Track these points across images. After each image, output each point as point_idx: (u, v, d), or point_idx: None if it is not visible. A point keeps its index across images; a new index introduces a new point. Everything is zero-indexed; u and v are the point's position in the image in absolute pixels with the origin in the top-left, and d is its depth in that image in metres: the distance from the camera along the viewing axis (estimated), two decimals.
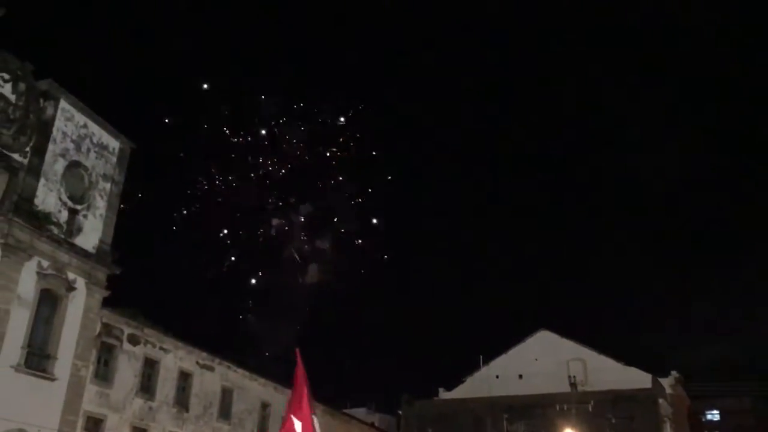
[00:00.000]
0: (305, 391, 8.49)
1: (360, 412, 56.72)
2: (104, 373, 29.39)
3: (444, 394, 51.37)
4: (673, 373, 49.12)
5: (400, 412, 48.93)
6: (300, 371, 8.60)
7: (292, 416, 8.42)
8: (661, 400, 42.12)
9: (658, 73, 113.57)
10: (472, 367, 51.28)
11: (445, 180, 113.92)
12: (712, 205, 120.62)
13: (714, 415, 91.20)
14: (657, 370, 45.90)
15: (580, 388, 44.66)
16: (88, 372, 28.05)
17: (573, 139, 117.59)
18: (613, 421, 40.88)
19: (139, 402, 30.85)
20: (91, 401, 28.14)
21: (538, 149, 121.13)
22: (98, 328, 28.95)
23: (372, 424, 54.81)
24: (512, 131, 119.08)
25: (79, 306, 27.80)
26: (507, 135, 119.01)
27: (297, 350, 8.58)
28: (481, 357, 51.02)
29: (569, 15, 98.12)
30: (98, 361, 29.04)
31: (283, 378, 41.47)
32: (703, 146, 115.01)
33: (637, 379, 44.06)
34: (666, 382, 46.61)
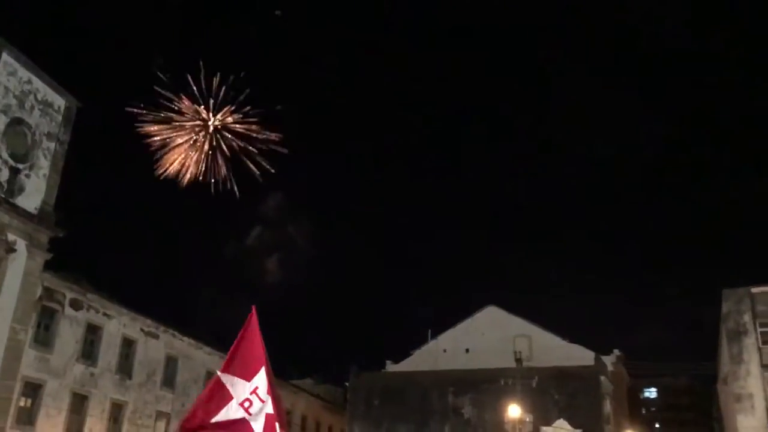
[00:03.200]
0: (261, 351, 7.97)
1: (306, 383, 56.62)
2: (44, 337, 28.62)
3: (391, 367, 51.53)
4: (615, 351, 50.10)
5: (347, 383, 48.89)
6: (252, 330, 8.04)
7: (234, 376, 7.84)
8: (602, 378, 42.95)
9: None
10: (421, 341, 51.56)
11: (396, 159, 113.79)
12: (655, 201, 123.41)
13: (651, 393, 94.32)
14: (600, 348, 46.77)
15: (525, 364, 45.26)
16: (27, 336, 27.27)
17: (527, 118, 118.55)
18: (556, 396, 41.60)
19: (80, 368, 30.16)
20: (29, 366, 27.40)
21: (488, 130, 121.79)
22: (39, 292, 28.10)
23: (318, 396, 54.81)
24: (466, 115, 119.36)
25: (19, 269, 26.91)
26: (461, 116, 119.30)
27: (253, 307, 8.05)
28: (429, 331, 51.28)
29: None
30: (38, 326, 28.27)
31: (229, 347, 40.95)
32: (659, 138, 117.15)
33: (580, 356, 44.82)
34: (608, 360, 47.51)
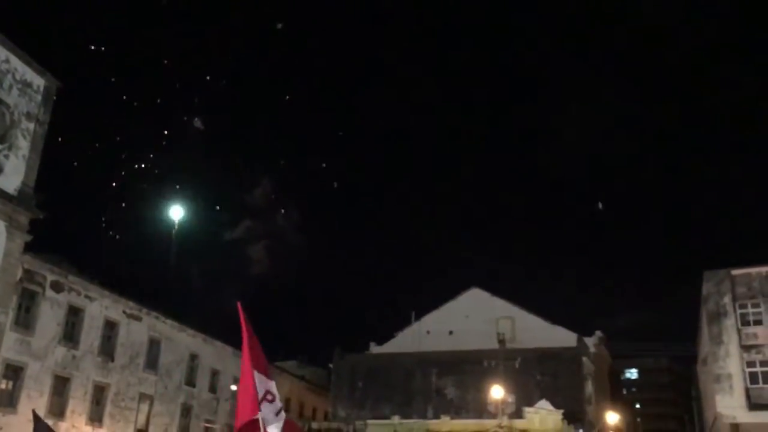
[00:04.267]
0: (256, 344, 8.18)
1: (291, 365, 56.71)
2: (25, 320, 28.41)
3: (375, 349, 51.67)
4: (597, 332, 50.44)
5: (331, 365, 49.01)
6: (245, 325, 8.25)
7: (255, 371, 8.11)
8: (584, 359, 43.37)
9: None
10: (404, 323, 51.65)
11: (382, 144, 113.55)
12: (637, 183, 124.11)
13: (632, 374, 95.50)
14: (582, 329, 47.10)
15: (508, 346, 45.53)
16: (8, 319, 27.04)
17: (513, 103, 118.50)
18: (539, 377, 42.00)
19: (62, 350, 29.99)
20: (10, 349, 27.21)
21: (472, 113, 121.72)
22: (19, 274, 27.85)
23: (302, 377, 54.95)
24: (457, 97, 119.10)
25: None
26: (447, 98, 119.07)
27: (239, 304, 8.20)
28: (413, 313, 51.37)
29: None
30: (19, 308, 28.04)
31: (213, 330, 41.02)
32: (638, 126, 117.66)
33: (563, 338, 45.13)
34: (590, 342, 47.88)
